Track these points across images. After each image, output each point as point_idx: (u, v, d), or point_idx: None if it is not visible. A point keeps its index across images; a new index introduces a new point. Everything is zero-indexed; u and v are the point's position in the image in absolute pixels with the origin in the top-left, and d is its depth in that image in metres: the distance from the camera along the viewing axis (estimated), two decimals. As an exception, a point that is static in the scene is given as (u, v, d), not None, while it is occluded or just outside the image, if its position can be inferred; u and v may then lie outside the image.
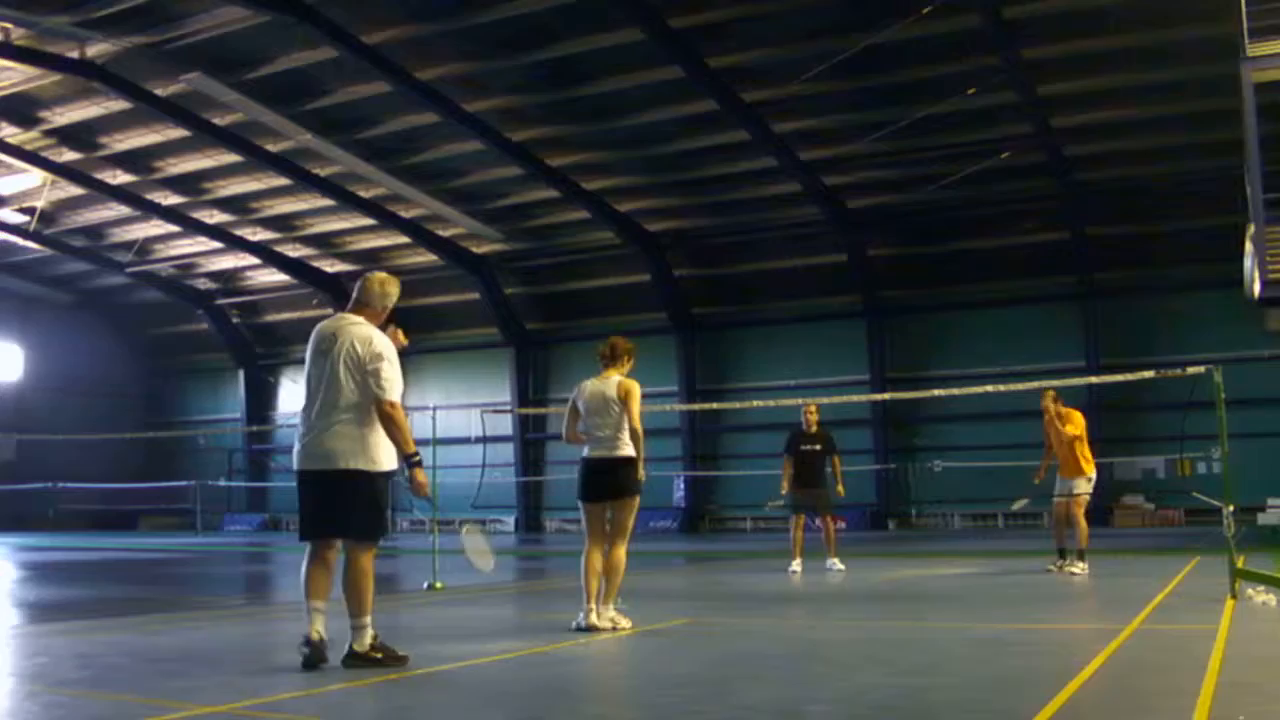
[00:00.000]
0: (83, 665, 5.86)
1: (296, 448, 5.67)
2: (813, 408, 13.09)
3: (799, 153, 26.72)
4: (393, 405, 5.53)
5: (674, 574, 12.66)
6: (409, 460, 5.63)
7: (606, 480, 7.23)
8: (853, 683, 5.03)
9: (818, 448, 12.93)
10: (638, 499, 7.26)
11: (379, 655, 5.49)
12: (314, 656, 5.43)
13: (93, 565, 17.46)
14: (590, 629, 6.94)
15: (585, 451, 7.39)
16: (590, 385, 7.33)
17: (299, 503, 5.69)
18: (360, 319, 5.74)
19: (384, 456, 5.59)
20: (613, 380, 7.25)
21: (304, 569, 5.66)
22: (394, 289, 5.89)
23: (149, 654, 6.31)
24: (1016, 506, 13.32)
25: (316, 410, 5.59)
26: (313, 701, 4.75)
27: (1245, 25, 15.61)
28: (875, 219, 29.79)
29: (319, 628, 5.48)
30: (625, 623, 7.02)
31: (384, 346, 5.64)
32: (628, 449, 7.18)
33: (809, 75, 22.06)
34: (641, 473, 7.27)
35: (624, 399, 7.13)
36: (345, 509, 5.54)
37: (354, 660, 5.46)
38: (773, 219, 30.26)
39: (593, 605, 7.07)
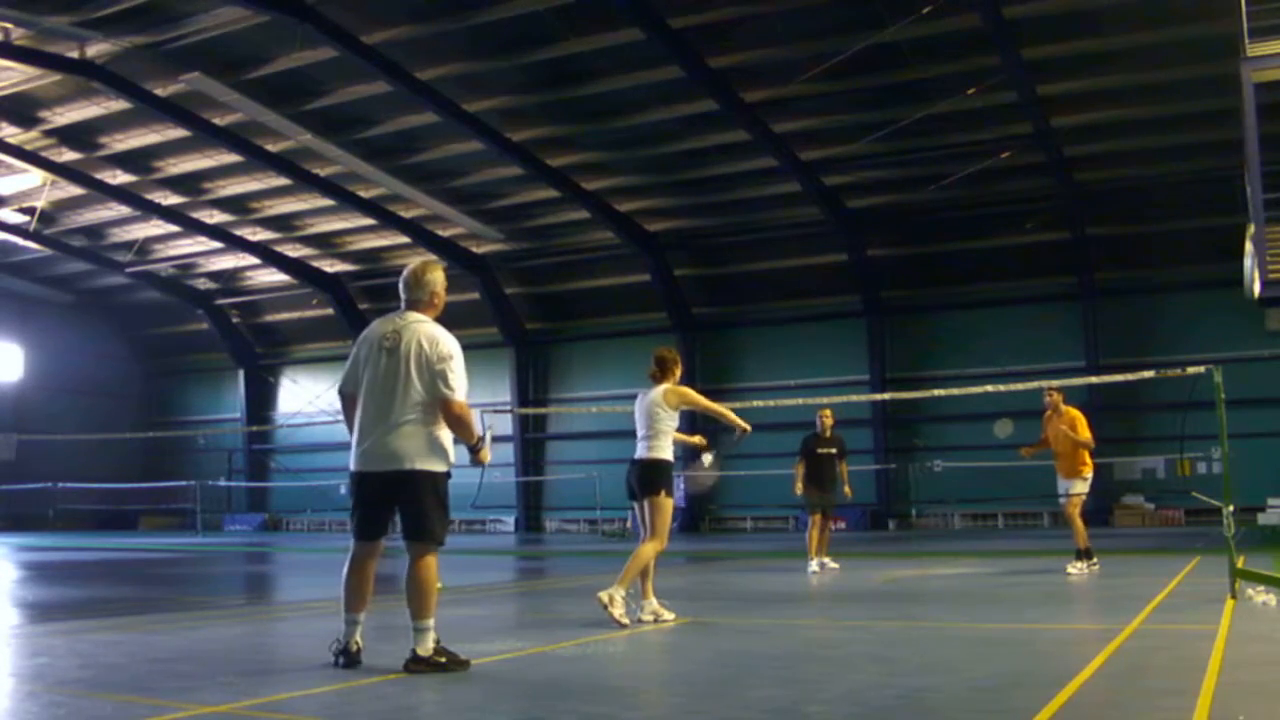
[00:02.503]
0: (83, 665, 5.86)
1: (358, 449, 5.54)
2: (828, 412, 13.39)
3: (799, 152, 26.72)
4: (461, 405, 5.52)
5: (674, 574, 12.66)
6: (473, 448, 5.76)
7: (636, 480, 7.58)
8: (853, 683, 5.03)
9: (833, 451, 13.26)
10: (666, 500, 7.50)
11: (442, 659, 5.40)
12: (348, 664, 5.47)
13: (93, 565, 17.46)
14: (642, 619, 7.32)
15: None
16: (640, 400, 7.83)
17: (357, 503, 5.62)
18: (424, 317, 5.68)
19: (447, 457, 5.59)
20: (659, 388, 7.68)
21: (346, 575, 5.65)
22: (435, 273, 5.80)
23: (149, 654, 6.31)
24: (1001, 432, 13.32)
25: (377, 410, 5.49)
26: (313, 701, 4.75)
27: (1245, 25, 15.61)
28: (875, 219, 29.79)
29: (358, 638, 5.55)
30: (627, 620, 7.14)
31: (451, 345, 5.60)
32: (658, 452, 7.52)
33: (809, 75, 22.06)
34: (744, 424, 7.69)
35: (673, 406, 7.55)
36: (414, 509, 5.50)
37: (416, 664, 5.35)
38: (773, 219, 30.27)
39: (649, 598, 7.48)
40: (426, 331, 5.59)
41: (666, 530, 7.49)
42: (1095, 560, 11.45)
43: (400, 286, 5.76)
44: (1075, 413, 11.65)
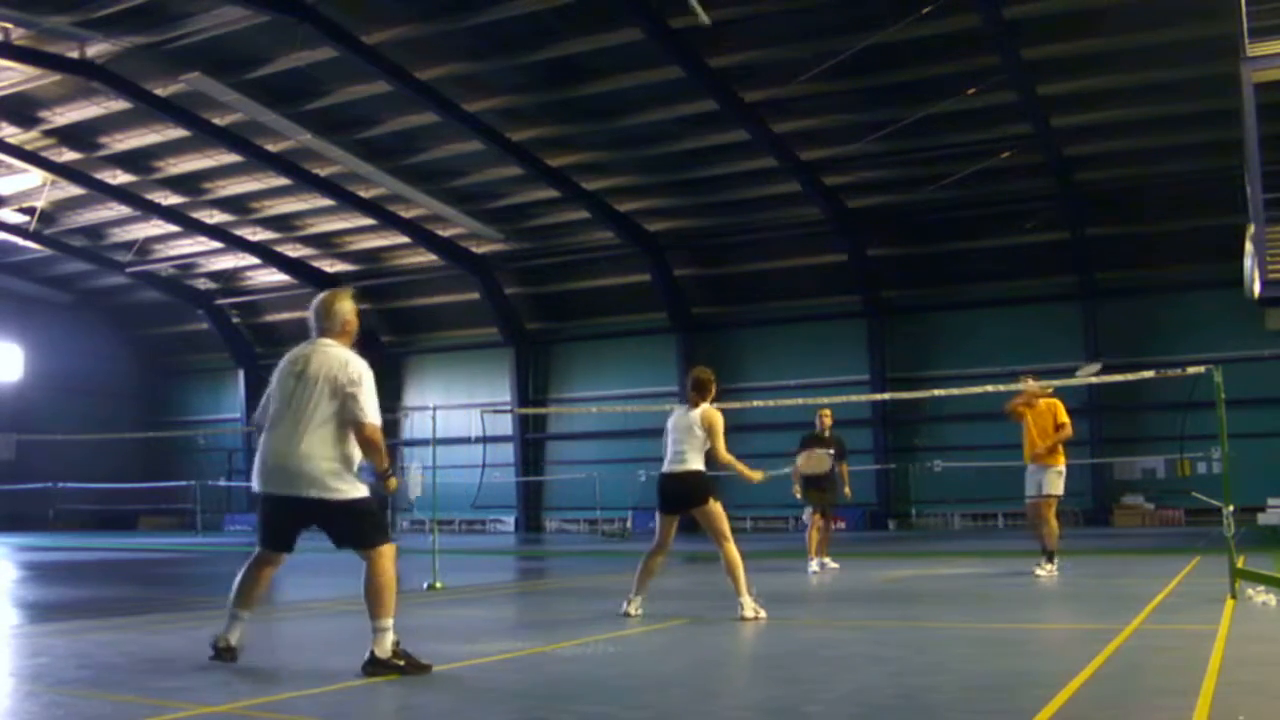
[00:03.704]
0: (82, 665, 5.85)
1: (264, 467, 5.52)
2: (827, 412, 13.44)
3: (799, 153, 26.72)
4: (374, 429, 5.48)
5: (674, 574, 12.66)
6: (381, 474, 5.64)
7: (679, 493, 7.80)
8: (853, 683, 5.03)
9: (831, 452, 13.11)
10: (716, 505, 7.72)
11: (401, 662, 5.35)
12: (218, 657, 5.51)
13: (92, 565, 17.45)
14: (627, 615, 7.64)
15: (663, 467, 7.90)
16: (677, 416, 7.98)
17: (264, 519, 5.62)
18: (333, 342, 5.66)
19: (354, 481, 5.53)
20: (699, 409, 7.83)
21: (242, 573, 5.70)
22: (345, 303, 5.77)
23: (149, 654, 6.30)
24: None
25: (287, 433, 5.47)
26: (313, 701, 4.75)
27: (1245, 25, 15.60)
28: (875, 219, 29.79)
29: (233, 637, 5.55)
30: (763, 612, 7.45)
31: (362, 368, 5.56)
32: (695, 464, 7.73)
33: (809, 75, 22.06)
34: (756, 475, 7.95)
35: (708, 428, 7.70)
36: (341, 530, 5.50)
37: (375, 667, 5.32)
38: (773, 219, 30.27)
39: (637, 599, 7.77)
40: (337, 356, 5.57)
41: (728, 529, 7.74)
42: (1041, 564, 11.15)
43: (311, 317, 5.75)
44: (1053, 400, 11.52)
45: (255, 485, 5.56)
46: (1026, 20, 21.07)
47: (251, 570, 5.73)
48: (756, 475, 7.93)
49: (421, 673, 5.35)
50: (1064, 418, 11.32)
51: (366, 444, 5.49)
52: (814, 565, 12.66)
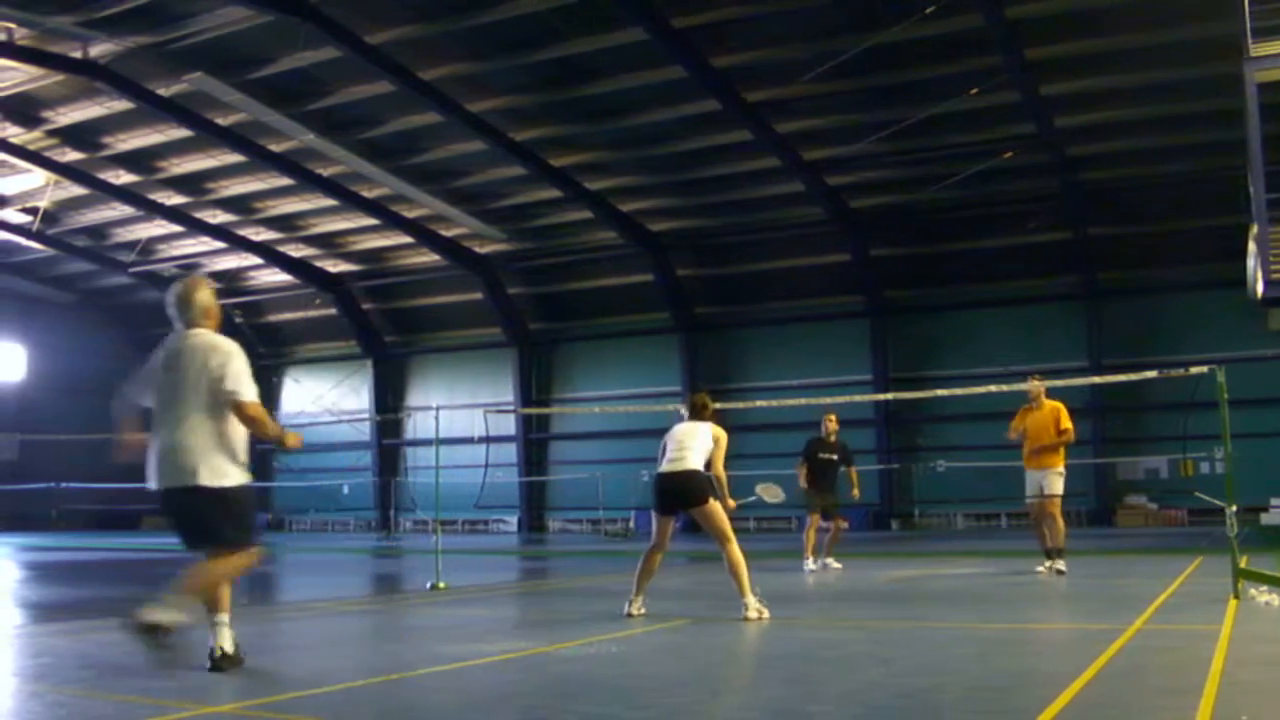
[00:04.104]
0: (85, 665, 5.86)
1: (152, 464, 5.47)
2: (833, 418, 13.53)
3: (802, 153, 26.71)
4: (253, 405, 5.43)
5: (674, 574, 12.66)
6: (277, 442, 5.66)
7: (677, 492, 7.83)
8: (853, 683, 5.03)
9: (834, 457, 13.46)
10: (716, 504, 7.80)
11: (157, 638, 5.06)
12: (221, 668, 5.35)
13: (95, 565, 17.48)
14: (629, 616, 7.63)
15: (659, 468, 7.96)
16: (682, 425, 8.11)
17: (167, 519, 5.55)
18: (199, 330, 5.70)
19: (237, 469, 5.49)
20: (706, 423, 8.04)
21: None
22: (201, 291, 5.81)
23: (151, 654, 6.30)
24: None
25: (166, 428, 5.46)
26: (313, 701, 4.75)
27: (1248, 25, 15.59)
28: (878, 219, 29.79)
29: (224, 642, 5.43)
30: (766, 612, 7.45)
31: (231, 347, 5.56)
32: (693, 464, 7.79)
33: (812, 75, 22.04)
34: (730, 502, 8.08)
35: (716, 439, 7.90)
36: (202, 523, 5.41)
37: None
38: (775, 219, 30.26)
39: (638, 599, 7.78)
40: (204, 341, 5.60)
41: (730, 529, 7.79)
42: (1053, 562, 11.28)
43: (172, 310, 5.76)
44: (1057, 404, 11.58)
45: (152, 482, 5.48)
46: (1029, 20, 21.05)
47: None
48: (731, 503, 8.08)
49: (160, 655, 5.11)
50: (1067, 423, 11.37)
51: (249, 421, 5.45)
52: (810, 565, 12.73)
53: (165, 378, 5.56)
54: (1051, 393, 11.75)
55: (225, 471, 5.40)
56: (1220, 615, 7.14)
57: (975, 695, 4.68)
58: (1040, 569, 11.34)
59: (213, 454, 5.38)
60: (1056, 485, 11.36)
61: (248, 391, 5.45)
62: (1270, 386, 25.62)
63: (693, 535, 25.51)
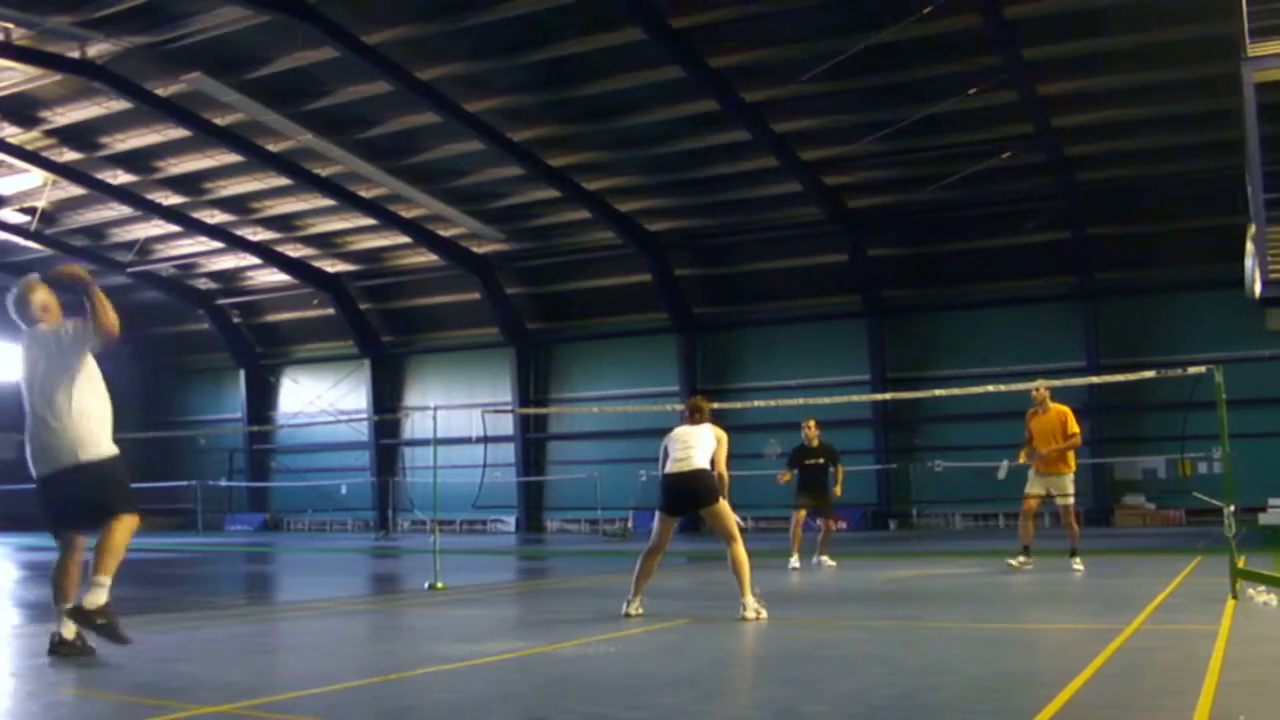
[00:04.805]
0: (83, 665, 5.86)
1: (31, 455, 5.91)
2: (812, 422, 13.83)
3: (800, 153, 26.72)
4: (111, 314, 5.79)
5: (674, 574, 12.67)
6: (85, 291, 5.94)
7: (688, 493, 7.86)
8: (853, 683, 5.03)
9: (821, 461, 13.75)
10: (724, 501, 7.85)
11: (101, 621, 5.57)
12: (69, 653, 5.69)
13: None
14: (628, 616, 7.64)
15: (667, 469, 7.98)
16: (683, 427, 8.17)
17: (44, 503, 5.97)
18: (43, 325, 6.08)
19: (109, 440, 5.93)
20: (706, 424, 8.13)
21: (54, 573, 5.96)
22: (35, 292, 6.19)
23: (149, 654, 6.31)
24: (1002, 471, 13.79)
25: (38, 417, 5.86)
26: (313, 701, 4.75)
27: (1246, 25, 15.61)
28: (876, 219, 29.79)
29: (68, 632, 5.77)
30: (764, 612, 7.46)
31: (73, 319, 5.97)
32: (702, 463, 7.85)
33: (810, 75, 22.05)
34: (724, 504, 8.00)
35: (718, 438, 8.00)
36: (92, 495, 5.80)
37: (78, 614, 5.57)
38: (773, 219, 30.27)
39: (636, 599, 7.80)
40: (46, 327, 6.01)
41: (737, 528, 7.84)
42: (1030, 559, 11.52)
43: (14, 315, 6.17)
44: (1064, 408, 11.69)
45: (34, 469, 5.94)
46: (1027, 20, 21.06)
47: (60, 570, 5.98)
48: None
49: (118, 642, 5.63)
50: (1074, 427, 11.50)
51: (105, 312, 5.80)
52: (794, 563, 12.89)
53: (29, 374, 5.95)
54: (1050, 393, 11.83)
55: (100, 443, 5.85)
56: (1218, 615, 7.15)
57: (974, 695, 4.68)
58: (1011, 562, 11.54)
59: (85, 431, 5.80)
60: (1068, 490, 11.52)
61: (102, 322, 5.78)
62: (1268, 386, 25.63)
63: (692, 535, 25.62)
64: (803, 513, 13.62)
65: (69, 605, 5.76)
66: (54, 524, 5.98)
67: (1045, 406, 11.65)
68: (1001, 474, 13.97)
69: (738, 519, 8.18)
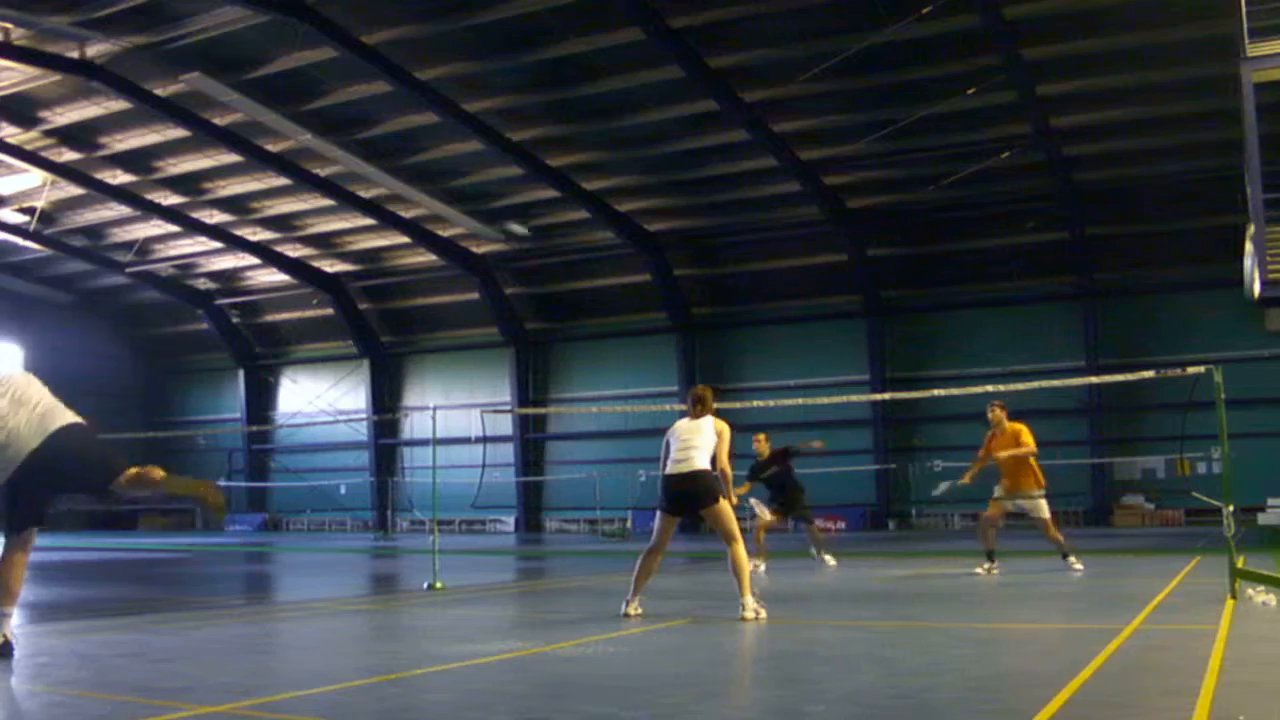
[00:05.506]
0: (83, 665, 5.86)
1: None
2: (762, 437, 13.87)
3: (799, 152, 26.73)
4: None
5: (674, 574, 12.66)
6: None
7: (689, 494, 7.79)
8: (853, 683, 5.03)
9: (774, 469, 13.74)
10: (725, 501, 7.79)
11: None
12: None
13: (93, 565, 17.46)
14: (627, 616, 7.60)
15: (667, 469, 7.91)
16: (684, 423, 8.04)
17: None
18: None
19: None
20: (708, 418, 7.98)
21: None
22: None
23: (149, 654, 6.31)
24: (942, 489, 13.88)
25: None
26: (313, 701, 4.75)
27: (1245, 25, 15.62)
28: (875, 219, 29.79)
29: (6, 631, 5.93)
30: (763, 613, 7.41)
31: None
32: (703, 463, 7.78)
33: (809, 75, 22.06)
34: (733, 498, 8.03)
35: (719, 433, 7.88)
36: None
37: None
38: (773, 219, 30.27)
39: (636, 599, 7.75)
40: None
41: (737, 529, 7.80)
42: (996, 564, 11.52)
43: None
44: (1019, 425, 11.72)
45: None
46: (1026, 20, 21.08)
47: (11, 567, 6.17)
48: (734, 498, 8.09)
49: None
50: (1027, 438, 11.46)
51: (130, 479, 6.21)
52: (762, 568, 12.65)
53: None
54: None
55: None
56: (1217, 615, 7.15)
57: (973, 695, 4.68)
58: (978, 570, 11.44)
59: None
60: (1041, 508, 11.51)
61: None
62: (1267, 386, 25.65)
63: (692, 535, 25.61)
64: (768, 518, 13.60)
65: (9, 609, 6.01)
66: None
67: (1002, 428, 11.67)
68: (938, 491, 14.09)
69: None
